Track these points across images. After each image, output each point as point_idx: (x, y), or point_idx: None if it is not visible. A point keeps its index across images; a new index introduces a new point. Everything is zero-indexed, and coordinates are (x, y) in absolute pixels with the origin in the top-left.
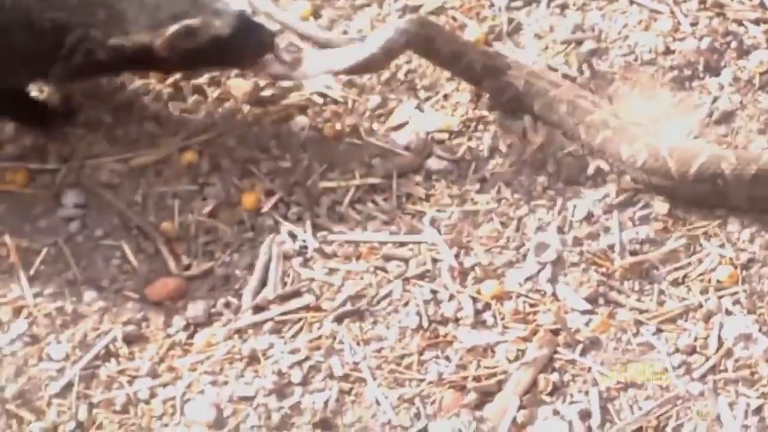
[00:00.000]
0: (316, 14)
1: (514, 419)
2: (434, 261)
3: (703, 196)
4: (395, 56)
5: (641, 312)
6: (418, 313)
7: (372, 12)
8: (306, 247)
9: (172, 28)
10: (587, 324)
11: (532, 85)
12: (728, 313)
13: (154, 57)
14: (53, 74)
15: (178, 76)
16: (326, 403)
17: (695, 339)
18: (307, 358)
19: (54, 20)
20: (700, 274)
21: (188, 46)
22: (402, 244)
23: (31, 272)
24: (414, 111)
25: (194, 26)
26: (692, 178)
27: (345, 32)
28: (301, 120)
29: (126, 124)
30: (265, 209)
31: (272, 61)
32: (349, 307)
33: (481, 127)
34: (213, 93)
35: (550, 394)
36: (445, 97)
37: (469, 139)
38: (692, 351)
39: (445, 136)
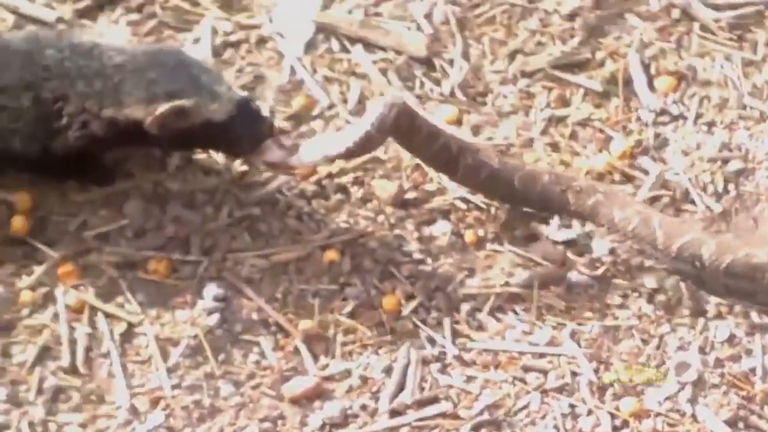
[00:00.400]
0: (461, 120)
1: None
2: (573, 374)
3: (685, 274)
4: (388, 133)
5: None
6: (556, 427)
7: (518, 120)
8: (445, 353)
9: (163, 107)
10: None
11: (507, 162)
12: None
13: (147, 133)
14: (55, 147)
15: (321, 174)
16: None
17: None
18: None
19: (54, 90)
20: None
21: (180, 127)
22: (542, 356)
23: (170, 363)
24: (550, 223)
25: (186, 107)
26: (674, 254)
27: (490, 138)
28: (443, 224)
29: (269, 219)
30: (405, 313)
31: (270, 146)
32: (486, 416)
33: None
34: (356, 193)
35: None
36: None
37: (611, 253)
38: None
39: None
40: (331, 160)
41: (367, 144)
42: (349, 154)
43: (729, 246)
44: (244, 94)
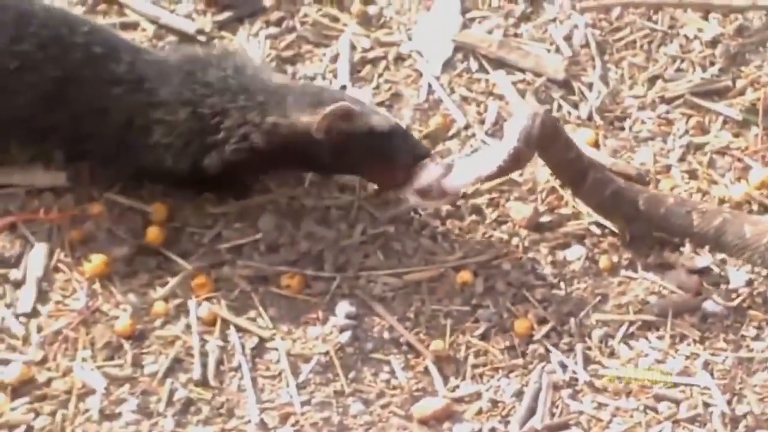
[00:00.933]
0: (598, 143)
1: None
2: (706, 405)
3: None
4: (535, 146)
5: None
6: None
7: (656, 146)
8: (576, 379)
9: (332, 106)
10: None
11: (632, 184)
12: None
13: (310, 144)
14: (209, 163)
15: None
16: None
17: None
18: None
19: (213, 105)
20: None
21: (345, 131)
22: (674, 385)
23: (300, 379)
24: (683, 251)
25: (352, 109)
26: None
27: (628, 163)
28: (577, 249)
29: (402, 238)
30: (537, 337)
31: (427, 165)
32: None
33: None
34: (491, 214)
35: None
36: None
37: (748, 284)
38: None
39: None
40: (482, 181)
41: (517, 160)
42: (500, 173)
43: None
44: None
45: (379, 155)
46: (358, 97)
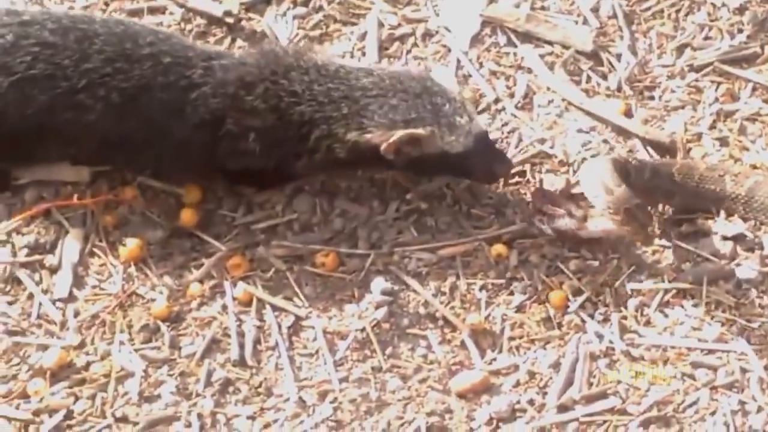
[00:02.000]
0: (629, 113)
1: None
2: (743, 371)
3: None
4: (628, 191)
5: None
6: (726, 424)
7: (686, 114)
8: (613, 349)
9: (398, 134)
10: None
11: (662, 159)
12: None
13: (383, 158)
14: (299, 168)
15: None
16: None
17: None
18: None
19: (302, 114)
20: None
21: (414, 155)
22: (711, 352)
23: (337, 356)
24: (717, 219)
25: (421, 136)
26: None
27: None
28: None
29: (436, 213)
30: (572, 308)
31: (561, 216)
32: (655, 412)
33: None
34: (524, 187)
35: None
36: None
37: None
38: None
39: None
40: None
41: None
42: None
43: None
44: (484, 128)
45: (453, 174)
46: (445, 88)
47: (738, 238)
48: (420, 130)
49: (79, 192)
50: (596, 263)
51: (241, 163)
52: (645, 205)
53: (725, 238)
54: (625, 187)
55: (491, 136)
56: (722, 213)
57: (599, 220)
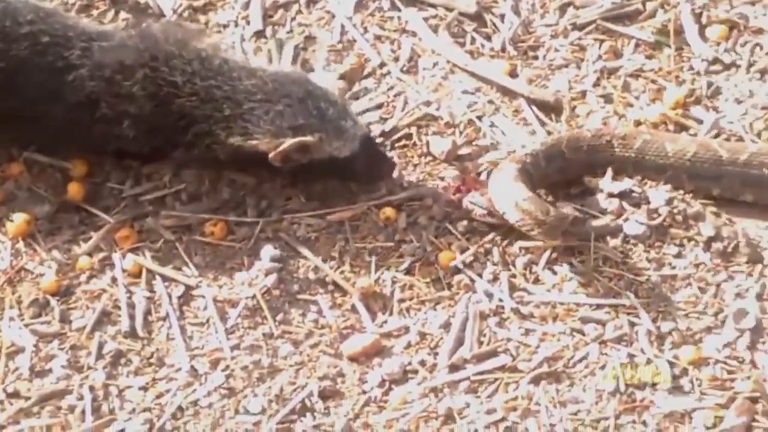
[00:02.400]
0: (513, 74)
1: None
2: (631, 325)
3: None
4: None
5: None
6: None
7: (571, 73)
8: (502, 307)
9: (288, 143)
10: None
11: (547, 140)
12: None
13: (270, 164)
14: (174, 158)
15: (374, 132)
16: None
17: None
18: (503, 419)
19: (182, 107)
20: None
21: (303, 161)
22: (599, 307)
23: (228, 324)
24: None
25: (308, 143)
26: (742, 164)
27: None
28: None
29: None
30: (461, 268)
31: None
32: (545, 368)
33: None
34: (411, 149)
35: None
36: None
37: (668, 203)
38: None
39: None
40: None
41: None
42: None
43: None
44: (368, 130)
45: (338, 177)
46: (327, 91)
47: (624, 195)
48: (309, 138)
49: None
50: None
51: (115, 146)
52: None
53: (611, 196)
54: (531, 197)
55: (373, 137)
56: (609, 171)
57: None
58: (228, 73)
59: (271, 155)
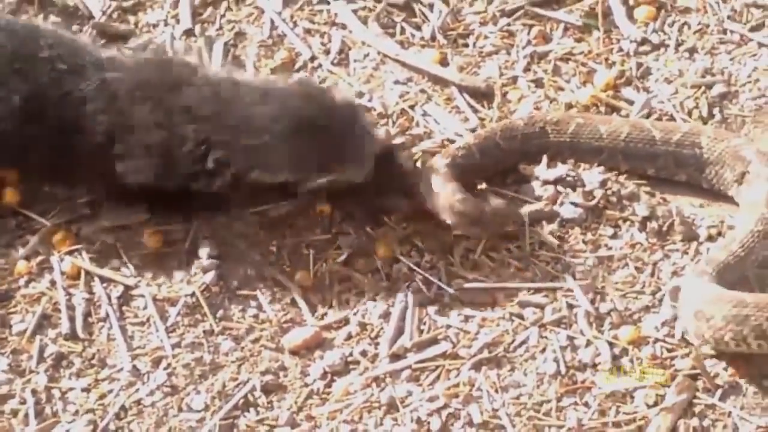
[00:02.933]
0: (444, 62)
1: None
2: (570, 307)
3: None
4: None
5: None
6: (556, 360)
7: (501, 59)
8: (441, 295)
9: (310, 184)
10: (726, 369)
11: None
12: None
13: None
14: (197, 186)
15: None
16: None
17: None
18: (445, 406)
19: (197, 132)
20: None
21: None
22: (537, 291)
23: (168, 323)
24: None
25: (333, 179)
26: (675, 143)
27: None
28: None
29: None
30: (399, 257)
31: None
32: (486, 354)
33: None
34: None
35: None
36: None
37: (602, 185)
38: None
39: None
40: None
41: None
42: None
43: (726, 134)
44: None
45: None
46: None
47: (559, 180)
48: (329, 177)
49: None
50: (421, 212)
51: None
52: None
53: (547, 183)
54: (464, 198)
55: None
56: (544, 158)
57: None
58: (240, 97)
59: (303, 189)
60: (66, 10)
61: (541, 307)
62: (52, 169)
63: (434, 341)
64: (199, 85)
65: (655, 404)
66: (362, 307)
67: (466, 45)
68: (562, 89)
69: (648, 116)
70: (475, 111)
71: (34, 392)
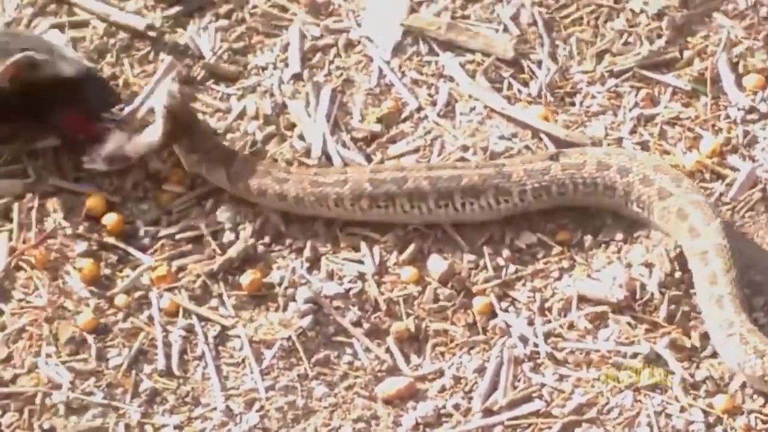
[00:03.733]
0: (550, 119)
1: None
2: (666, 373)
3: None
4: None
5: None
6: (649, 425)
7: (607, 120)
8: (537, 353)
9: (15, 57)
10: None
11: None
12: None
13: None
14: None
15: None
16: None
17: None
18: None
19: None
20: None
21: (30, 80)
22: (634, 355)
23: (263, 365)
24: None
25: (37, 59)
26: None
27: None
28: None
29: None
30: (497, 313)
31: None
32: (579, 415)
33: None
34: None
35: None
36: None
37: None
38: None
39: None
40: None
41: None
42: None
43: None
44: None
45: (68, 101)
46: (52, 43)
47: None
48: (34, 54)
49: (6, 205)
50: (523, 268)
51: None
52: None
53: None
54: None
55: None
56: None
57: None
58: None
59: None
60: (177, 48)
61: (637, 371)
62: None
63: (528, 399)
64: None
65: None
66: (457, 360)
67: (573, 104)
68: (667, 153)
69: (753, 186)
70: None
71: (127, 427)
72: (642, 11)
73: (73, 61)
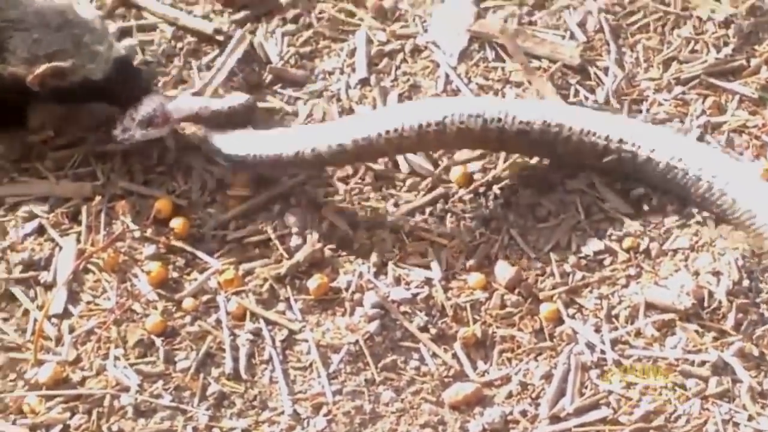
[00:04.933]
0: None
1: None
2: (733, 381)
3: None
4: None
5: None
6: None
7: (674, 127)
8: (605, 359)
9: (42, 68)
10: None
11: None
12: None
13: (30, 90)
14: None
15: None
16: None
17: None
18: None
19: None
20: None
21: (59, 85)
22: (702, 363)
23: (331, 370)
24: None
25: (63, 68)
26: None
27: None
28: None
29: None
30: (564, 319)
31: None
32: (647, 422)
33: None
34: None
35: None
36: None
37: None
38: None
39: None
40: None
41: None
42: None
43: None
44: (124, 52)
45: (98, 98)
46: (85, 19)
47: None
48: (61, 63)
49: (75, 208)
50: (591, 274)
51: None
52: None
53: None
54: None
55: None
56: None
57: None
58: None
59: (28, 79)
60: (245, 53)
61: (704, 379)
62: None
63: (595, 406)
64: None
65: None
66: (524, 366)
67: (640, 111)
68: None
69: None
70: None
71: (195, 430)
72: (709, 19)
73: (101, 57)
